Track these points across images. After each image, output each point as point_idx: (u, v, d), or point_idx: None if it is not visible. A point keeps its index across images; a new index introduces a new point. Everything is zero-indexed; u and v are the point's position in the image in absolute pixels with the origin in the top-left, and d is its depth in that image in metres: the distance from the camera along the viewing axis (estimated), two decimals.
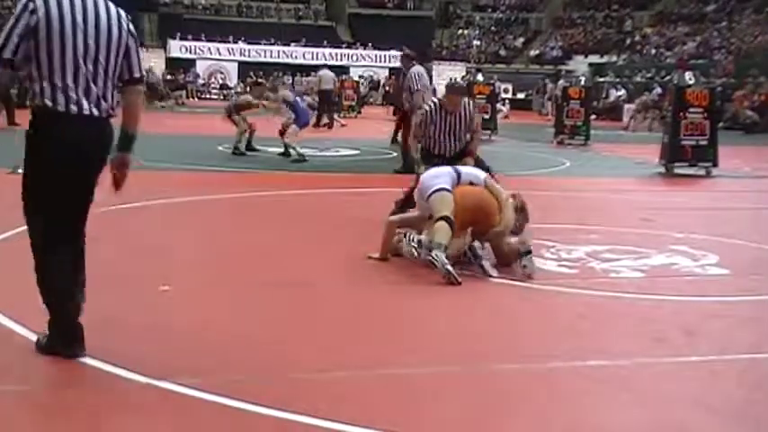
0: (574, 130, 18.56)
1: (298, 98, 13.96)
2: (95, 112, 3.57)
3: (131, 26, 3.74)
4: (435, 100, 7.25)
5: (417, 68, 11.62)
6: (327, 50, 42.23)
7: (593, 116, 20.82)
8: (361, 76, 37.74)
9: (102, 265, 5.62)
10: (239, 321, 4.40)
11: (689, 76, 13.10)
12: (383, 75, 42.70)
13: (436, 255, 5.34)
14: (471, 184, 5.89)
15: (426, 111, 7.04)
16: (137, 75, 3.75)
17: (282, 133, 13.19)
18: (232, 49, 42.32)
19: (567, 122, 18.73)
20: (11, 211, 6.83)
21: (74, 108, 3.52)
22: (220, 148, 13.82)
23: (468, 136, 7.07)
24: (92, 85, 3.56)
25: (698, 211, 9.53)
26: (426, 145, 7.02)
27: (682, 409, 3.44)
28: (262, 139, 13.76)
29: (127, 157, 3.77)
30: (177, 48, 41.00)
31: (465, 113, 7.01)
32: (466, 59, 43.36)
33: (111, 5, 3.68)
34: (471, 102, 7.26)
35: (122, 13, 3.70)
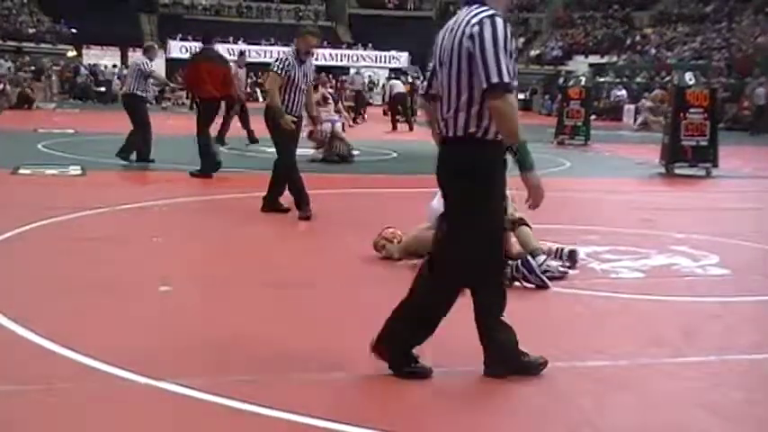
0: (574, 131, 18.57)
1: None
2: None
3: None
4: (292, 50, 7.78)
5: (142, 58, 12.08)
6: (327, 51, 42.19)
7: (593, 116, 20.82)
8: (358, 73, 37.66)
9: (103, 264, 5.64)
10: (239, 321, 4.41)
11: (689, 77, 13.09)
12: (383, 75, 42.71)
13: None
14: None
15: (285, 59, 7.55)
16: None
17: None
18: (232, 50, 42.22)
19: (567, 122, 18.74)
20: (11, 211, 6.85)
21: None
22: (220, 148, 13.80)
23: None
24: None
25: (698, 211, 9.53)
26: (284, 100, 7.47)
27: (682, 409, 3.44)
28: (262, 140, 13.75)
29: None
30: (177, 48, 40.97)
31: (312, 67, 7.73)
32: None
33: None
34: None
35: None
